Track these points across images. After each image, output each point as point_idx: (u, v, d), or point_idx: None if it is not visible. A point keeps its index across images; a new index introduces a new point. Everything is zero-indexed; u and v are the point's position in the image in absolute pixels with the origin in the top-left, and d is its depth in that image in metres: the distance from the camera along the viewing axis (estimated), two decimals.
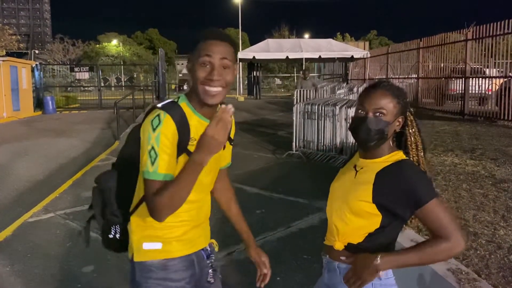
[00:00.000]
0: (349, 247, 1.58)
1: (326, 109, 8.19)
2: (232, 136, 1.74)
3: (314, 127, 8.42)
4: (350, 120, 1.67)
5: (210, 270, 1.67)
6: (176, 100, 1.51)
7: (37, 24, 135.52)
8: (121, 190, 1.58)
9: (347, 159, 1.81)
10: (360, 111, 1.58)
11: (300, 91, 9.66)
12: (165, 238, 1.53)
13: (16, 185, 6.79)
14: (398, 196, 1.48)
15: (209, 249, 1.70)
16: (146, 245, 1.53)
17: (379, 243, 1.55)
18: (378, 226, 1.53)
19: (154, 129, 1.40)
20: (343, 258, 1.57)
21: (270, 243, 4.37)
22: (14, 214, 5.33)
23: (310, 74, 12.58)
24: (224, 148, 1.62)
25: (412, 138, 1.63)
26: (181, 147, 1.44)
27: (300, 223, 4.85)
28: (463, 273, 2.82)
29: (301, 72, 14.33)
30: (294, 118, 8.72)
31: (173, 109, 1.44)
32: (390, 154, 1.58)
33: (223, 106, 1.34)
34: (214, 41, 1.46)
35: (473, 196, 4.53)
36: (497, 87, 11.65)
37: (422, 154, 1.64)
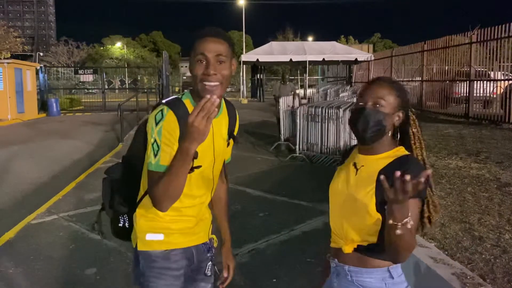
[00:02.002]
0: (360, 249, 1.54)
1: (329, 111, 8.18)
2: (235, 132, 1.77)
3: (317, 130, 8.41)
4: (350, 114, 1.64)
5: (209, 263, 1.75)
6: (180, 96, 1.59)
7: (42, 27, 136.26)
8: (128, 181, 1.67)
9: (341, 160, 1.77)
10: (359, 102, 1.57)
11: (284, 99, 9.69)
12: (168, 229, 1.62)
13: (20, 187, 6.81)
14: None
15: (209, 243, 1.77)
16: (149, 236, 1.62)
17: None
18: (379, 224, 1.48)
19: (157, 123, 1.49)
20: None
21: (273, 246, 4.35)
22: (18, 216, 5.33)
23: (309, 77, 12.27)
24: (228, 145, 1.73)
25: (416, 138, 1.60)
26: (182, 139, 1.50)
27: (304, 226, 4.84)
28: (468, 277, 2.80)
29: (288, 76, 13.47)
30: (298, 121, 8.71)
31: (176, 105, 1.53)
32: (392, 150, 1.56)
33: (207, 96, 1.35)
34: (208, 38, 1.53)
35: (478, 199, 4.50)
36: (502, 90, 11.60)
37: (425, 153, 1.62)
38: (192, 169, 1.52)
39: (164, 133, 1.48)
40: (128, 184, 1.67)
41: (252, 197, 5.98)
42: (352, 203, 1.53)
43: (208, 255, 1.75)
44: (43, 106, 21.63)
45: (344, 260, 1.59)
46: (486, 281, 2.80)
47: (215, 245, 1.84)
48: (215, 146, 1.63)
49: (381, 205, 1.46)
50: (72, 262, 4.04)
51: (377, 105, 1.52)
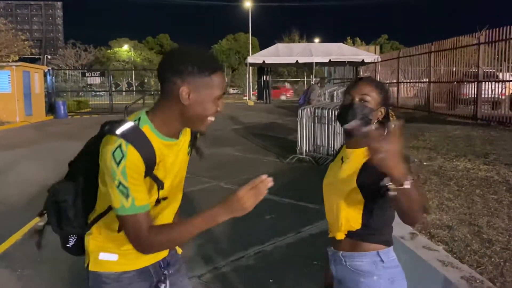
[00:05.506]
0: (350, 235, 1.67)
1: (336, 113, 8.13)
2: (196, 139, 1.64)
3: (324, 132, 8.38)
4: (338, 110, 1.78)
5: (163, 285, 1.57)
6: (136, 123, 1.38)
7: (50, 30, 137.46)
8: (79, 202, 1.51)
9: (334, 156, 1.93)
10: (347, 99, 1.72)
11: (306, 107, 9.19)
12: (123, 250, 1.49)
13: (27, 189, 6.83)
14: (379, 172, 1.49)
15: (168, 258, 1.62)
16: (102, 255, 1.50)
17: (375, 228, 1.65)
18: (362, 209, 1.62)
19: (118, 163, 1.30)
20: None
21: (280, 248, 4.33)
22: (25, 218, 5.35)
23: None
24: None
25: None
26: (147, 173, 1.37)
27: (311, 228, 4.81)
28: (478, 281, 2.76)
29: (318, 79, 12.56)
30: (304, 123, 8.68)
31: (135, 138, 1.33)
32: None
33: (263, 176, 1.33)
34: (221, 73, 1.41)
35: (487, 202, 4.45)
36: (510, 91, 11.50)
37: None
38: (158, 201, 1.44)
39: (130, 173, 1.30)
40: (78, 206, 1.52)
41: None
42: (339, 191, 1.67)
43: (165, 272, 1.58)
44: (51, 108, 21.79)
45: (339, 247, 1.72)
46: (496, 285, 2.76)
47: (179, 252, 1.73)
48: (180, 168, 1.52)
49: (361, 187, 1.59)
50: (79, 264, 4.02)
51: (363, 101, 1.67)
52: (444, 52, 15.12)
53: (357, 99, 1.67)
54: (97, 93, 32.08)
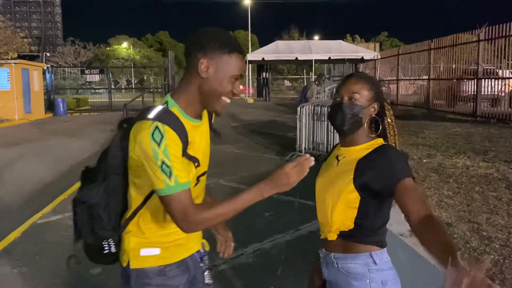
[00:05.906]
0: (342, 235, 1.62)
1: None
2: (213, 121, 1.70)
3: (323, 129, 8.37)
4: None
5: (206, 273, 1.68)
6: (166, 106, 1.44)
7: (49, 27, 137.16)
8: (111, 203, 1.53)
9: (328, 155, 1.88)
10: (336, 98, 1.68)
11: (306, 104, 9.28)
12: (163, 242, 1.53)
13: (26, 187, 6.83)
14: (378, 173, 1.53)
15: (202, 250, 1.69)
16: (144, 251, 1.52)
17: (369, 228, 1.59)
18: (357, 208, 1.58)
19: (158, 144, 1.34)
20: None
21: (279, 246, 4.33)
22: (24, 216, 5.35)
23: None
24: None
25: (390, 126, 1.75)
26: (183, 152, 1.42)
27: (310, 225, 4.80)
28: None
29: (317, 76, 12.58)
30: (304, 120, 8.67)
31: (170, 119, 1.38)
32: (371, 142, 1.65)
33: (307, 155, 1.39)
34: (241, 56, 1.48)
35: (486, 199, 4.45)
36: (510, 88, 11.49)
37: (398, 140, 1.79)
38: (198, 179, 1.49)
39: (171, 151, 1.35)
40: (110, 206, 1.53)
41: None
42: (334, 189, 1.62)
43: (201, 264, 1.66)
44: (50, 106, 21.76)
45: (330, 248, 1.67)
46: (495, 282, 2.75)
47: (207, 249, 1.76)
48: (205, 148, 1.60)
49: (358, 187, 1.56)
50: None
51: (353, 100, 1.63)
52: (444, 49, 15.11)
53: (346, 98, 1.64)
54: (96, 90, 32.10)
